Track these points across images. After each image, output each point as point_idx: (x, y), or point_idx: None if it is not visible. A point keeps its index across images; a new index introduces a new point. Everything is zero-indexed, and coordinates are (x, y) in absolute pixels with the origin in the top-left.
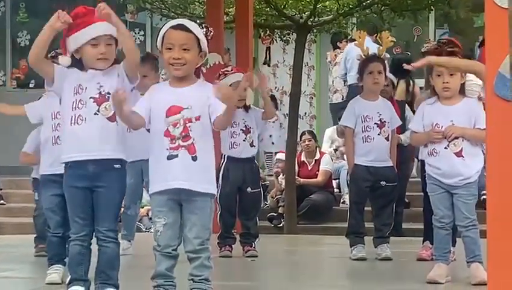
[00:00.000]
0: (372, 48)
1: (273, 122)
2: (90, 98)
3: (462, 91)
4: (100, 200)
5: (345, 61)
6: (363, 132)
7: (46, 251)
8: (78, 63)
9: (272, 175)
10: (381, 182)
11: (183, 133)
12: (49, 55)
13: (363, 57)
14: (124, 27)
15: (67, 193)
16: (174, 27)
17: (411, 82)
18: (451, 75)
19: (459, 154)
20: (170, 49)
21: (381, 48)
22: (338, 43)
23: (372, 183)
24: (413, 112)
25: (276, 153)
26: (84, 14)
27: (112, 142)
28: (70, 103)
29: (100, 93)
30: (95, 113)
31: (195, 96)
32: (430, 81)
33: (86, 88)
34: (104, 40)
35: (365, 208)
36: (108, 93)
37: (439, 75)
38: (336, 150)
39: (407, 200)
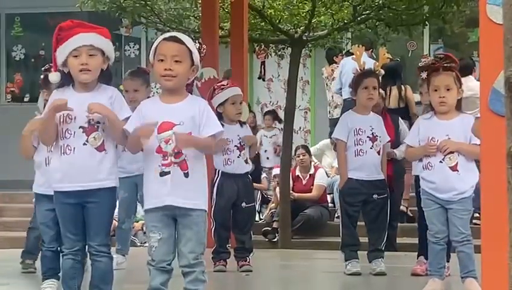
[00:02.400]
0: (368, 63)
1: (270, 137)
2: (80, 127)
3: (458, 107)
4: (91, 215)
5: (340, 75)
6: (355, 145)
7: (34, 267)
8: (67, 77)
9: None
10: (373, 195)
11: (176, 150)
12: (42, 68)
13: (359, 71)
14: (114, 117)
15: (58, 209)
16: (166, 39)
17: (403, 87)
18: (448, 90)
19: (454, 168)
20: (162, 60)
21: (377, 63)
22: (334, 58)
23: (364, 197)
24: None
25: (271, 168)
26: (70, 27)
27: (101, 172)
28: (58, 132)
29: (89, 122)
30: (84, 144)
31: (187, 112)
32: (424, 95)
33: (74, 118)
34: (86, 50)
35: (358, 223)
36: (98, 122)
37: (436, 90)
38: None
39: (411, 214)
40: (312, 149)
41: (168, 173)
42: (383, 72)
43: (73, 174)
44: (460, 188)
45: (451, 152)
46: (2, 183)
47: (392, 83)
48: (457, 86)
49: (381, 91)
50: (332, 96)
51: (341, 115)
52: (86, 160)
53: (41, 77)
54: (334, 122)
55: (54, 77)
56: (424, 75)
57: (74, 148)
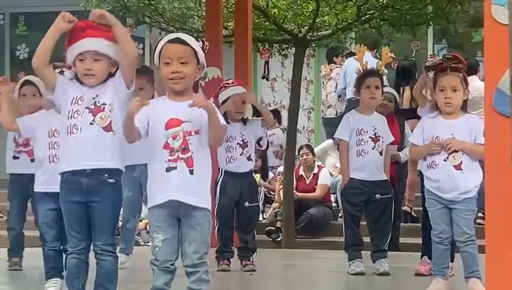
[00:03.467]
0: (372, 63)
1: (269, 136)
2: (86, 108)
3: (464, 107)
4: (96, 214)
5: (345, 75)
6: (357, 145)
7: (19, 265)
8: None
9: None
10: (376, 195)
11: (183, 146)
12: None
13: (362, 71)
14: (120, 26)
15: (63, 207)
16: (171, 41)
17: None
18: (454, 91)
19: (458, 167)
20: (168, 63)
21: (380, 62)
22: (334, 58)
23: (367, 197)
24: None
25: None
26: (83, 28)
27: (107, 151)
28: (67, 112)
29: (95, 103)
30: (91, 123)
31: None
32: (429, 93)
33: (84, 99)
34: (90, 55)
35: (361, 223)
36: (104, 104)
37: (442, 90)
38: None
39: (415, 215)
40: (315, 150)
41: (175, 168)
42: (386, 71)
43: (80, 152)
44: (464, 187)
45: (456, 151)
46: (4, 182)
47: (406, 83)
48: (464, 87)
49: (393, 92)
50: (326, 96)
51: (344, 114)
52: (93, 138)
53: None
54: (326, 122)
55: (69, 74)
56: (431, 74)
57: (81, 127)
